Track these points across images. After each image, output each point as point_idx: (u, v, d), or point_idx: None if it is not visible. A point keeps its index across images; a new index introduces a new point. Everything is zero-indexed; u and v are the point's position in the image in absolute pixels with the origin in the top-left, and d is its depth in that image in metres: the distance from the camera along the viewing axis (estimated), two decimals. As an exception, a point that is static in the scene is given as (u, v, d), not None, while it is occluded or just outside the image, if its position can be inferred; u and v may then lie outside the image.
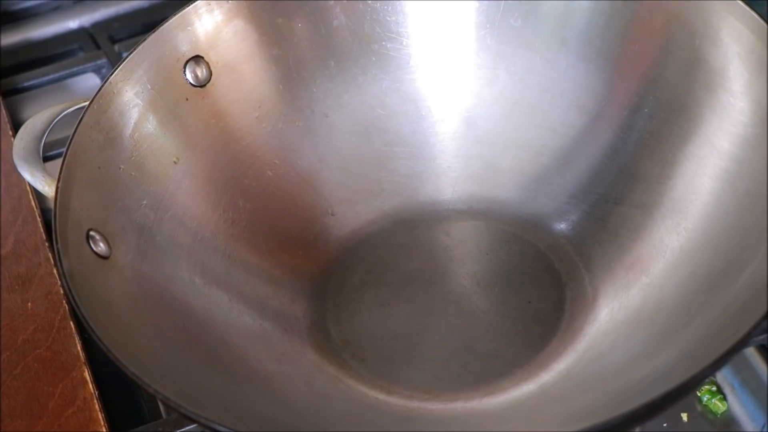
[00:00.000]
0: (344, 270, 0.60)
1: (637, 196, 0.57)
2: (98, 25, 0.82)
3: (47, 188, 0.53)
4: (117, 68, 0.55)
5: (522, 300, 0.57)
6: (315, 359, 0.55)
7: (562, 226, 0.60)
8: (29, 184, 0.60)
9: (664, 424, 0.54)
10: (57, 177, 0.51)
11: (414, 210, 0.62)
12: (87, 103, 0.54)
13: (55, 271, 0.60)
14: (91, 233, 0.51)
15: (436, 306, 0.57)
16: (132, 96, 0.56)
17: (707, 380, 0.55)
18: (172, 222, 0.56)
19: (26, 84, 0.76)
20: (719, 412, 0.55)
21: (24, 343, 0.57)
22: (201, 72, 0.58)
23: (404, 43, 0.62)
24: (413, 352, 0.56)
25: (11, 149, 0.56)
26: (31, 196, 0.65)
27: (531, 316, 0.56)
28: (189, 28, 0.58)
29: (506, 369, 0.54)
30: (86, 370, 0.56)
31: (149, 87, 0.56)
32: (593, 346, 0.54)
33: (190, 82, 0.58)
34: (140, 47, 0.56)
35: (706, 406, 0.55)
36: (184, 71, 0.58)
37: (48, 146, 0.60)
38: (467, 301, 0.57)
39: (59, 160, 0.52)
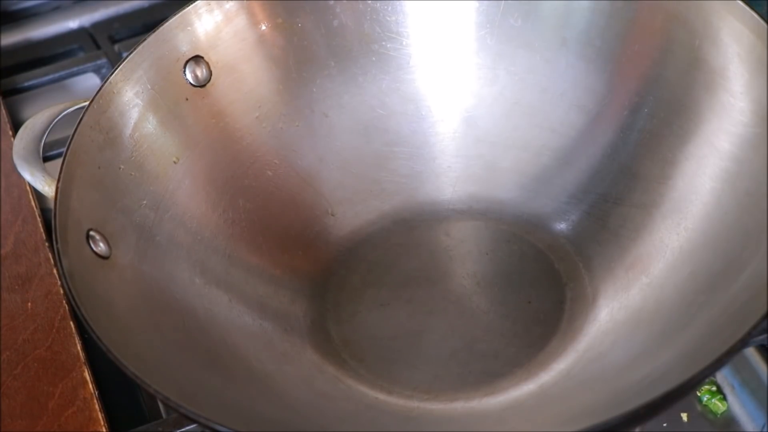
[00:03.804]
0: (344, 270, 0.60)
1: (637, 196, 0.57)
2: (98, 25, 0.82)
3: (47, 188, 0.53)
4: (117, 68, 0.55)
5: (522, 300, 0.57)
6: (315, 359, 0.55)
7: (562, 226, 0.60)
8: (29, 184, 0.60)
9: (664, 424, 0.54)
10: (57, 177, 0.51)
11: (414, 210, 0.62)
12: (87, 103, 0.54)
13: (55, 271, 0.60)
14: (91, 233, 0.51)
15: (436, 306, 0.57)
16: (132, 96, 0.56)
17: (707, 380, 0.55)
18: (172, 222, 0.56)
19: (26, 84, 0.76)
20: (719, 412, 0.55)
21: (24, 343, 0.57)
22: (201, 72, 0.58)
23: (404, 43, 0.62)
24: (413, 352, 0.56)
25: (11, 149, 0.56)
26: (31, 196, 0.65)
27: (531, 316, 0.56)
28: (189, 28, 0.58)
29: (506, 369, 0.54)
30: (86, 370, 0.56)
31: (149, 87, 0.56)
32: (593, 346, 0.54)
33: (190, 82, 0.58)
34: (140, 47, 0.56)
35: (706, 406, 0.55)
36: (184, 71, 0.58)
37: (48, 146, 0.60)
38: (467, 301, 0.57)
39: (59, 160, 0.52)
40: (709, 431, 0.54)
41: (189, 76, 0.58)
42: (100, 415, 0.54)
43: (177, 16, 0.58)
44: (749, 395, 0.55)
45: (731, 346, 0.42)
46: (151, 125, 0.56)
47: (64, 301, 0.59)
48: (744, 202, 0.51)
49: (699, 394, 0.55)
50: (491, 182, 0.62)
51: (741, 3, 0.52)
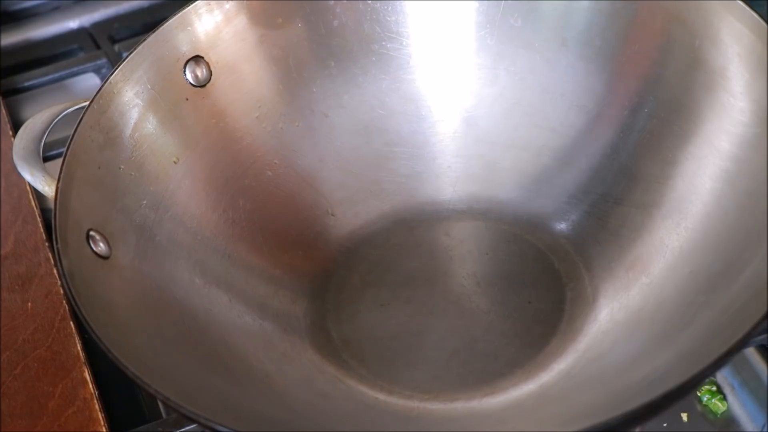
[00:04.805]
0: (344, 270, 0.60)
1: (637, 196, 0.57)
2: (98, 25, 0.82)
3: (47, 188, 0.53)
4: (117, 68, 0.55)
5: (522, 300, 0.57)
6: (315, 359, 0.55)
7: (562, 226, 0.60)
8: (29, 184, 0.60)
9: (664, 424, 0.54)
10: (57, 177, 0.51)
11: (414, 210, 0.62)
12: (87, 103, 0.54)
13: (55, 271, 0.60)
14: (91, 233, 0.51)
15: (436, 306, 0.57)
16: (132, 96, 0.56)
17: (707, 380, 0.55)
18: (172, 222, 0.56)
19: (26, 84, 0.76)
20: (719, 412, 0.55)
21: (24, 343, 0.57)
22: (201, 72, 0.58)
23: (404, 43, 0.62)
24: (413, 352, 0.56)
25: (11, 149, 0.56)
26: (31, 196, 0.65)
27: (531, 316, 0.56)
28: (189, 28, 0.58)
29: (506, 369, 0.54)
30: (86, 370, 0.56)
31: (149, 87, 0.56)
32: (593, 346, 0.54)
33: (190, 82, 0.58)
34: (140, 47, 0.56)
35: (706, 406, 0.55)
36: (184, 71, 0.58)
37: (48, 146, 0.60)
38: (467, 301, 0.57)
39: (59, 160, 0.52)
40: (709, 431, 0.54)
41: (189, 76, 0.58)
42: (100, 415, 0.54)
43: (177, 16, 0.58)
44: (749, 395, 0.55)
45: (731, 347, 0.42)
46: (151, 125, 0.56)
47: (64, 301, 0.59)
48: (744, 202, 0.51)
49: (699, 394, 0.55)
50: (491, 182, 0.62)
51: (741, 3, 0.52)
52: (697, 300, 0.50)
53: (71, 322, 0.58)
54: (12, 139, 0.69)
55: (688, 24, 0.55)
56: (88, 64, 0.77)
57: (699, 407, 0.55)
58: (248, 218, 0.59)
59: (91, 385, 0.55)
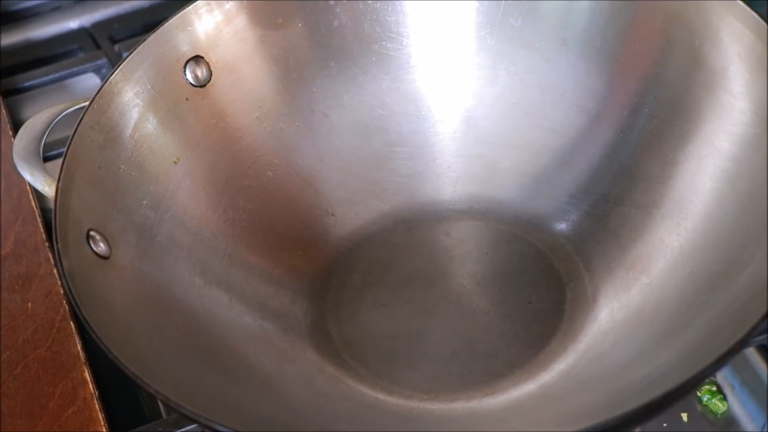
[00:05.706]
0: (344, 270, 0.60)
1: (637, 196, 0.57)
2: (98, 25, 0.82)
3: (47, 188, 0.54)
4: (117, 68, 0.55)
5: (522, 300, 0.57)
6: (315, 359, 0.55)
7: (562, 226, 0.60)
8: (29, 184, 0.60)
9: (664, 424, 0.54)
10: (57, 177, 0.51)
11: (414, 210, 0.62)
12: (87, 103, 0.54)
13: (55, 271, 0.60)
14: (91, 233, 0.51)
15: (436, 306, 0.57)
16: (132, 96, 0.56)
17: (707, 380, 0.55)
18: (172, 222, 0.56)
19: (26, 84, 0.76)
20: (719, 412, 0.55)
21: (24, 343, 0.57)
22: (201, 72, 0.58)
23: (404, 43, 0.62)
24: (413, 352, 0.56)
25: (11, 149, 0.56)
26: (31, 196, 0.65)
27: (531, 316, 0.56)
28: (189, 28, 0.58)
29: (506, 369, 0.54)
30: (86, 370, 0.56)
31: (149, 87, 0.56)
32: (593, 346, 0.54)
33: (190, 82, 0.58)
34: (140, 47, 0.56)
35: (706, 406, 0.55)
36: (184, 71, 0.58)
37: (48, 146, 0.60)
38: (467, 301, 0.57)
39: (59, 160, 0.52)
40: (709, 431, 0.54)
41: (189, 76, 0.58)
42: (100, 415, 0.54)
43: (177, 16, 0.58)
44: (749, 395, 0.55)
45: (731, 346, 0.42)
46: (151, 125, 0.56)
47: (64, 301, 0.59)
48: (744, 202, 0.51)
49: (699, 394, 0.55)
50: (491, 182, 0.62)
51: (741, 3, 0.52)
52: (697, 300, 0.50)
53: (71, 322, 0.58)
54: (12, 139, 0.69)
55: (688, 24, 0.55)
56: (88, 64, 0.77)
57: (699, 407, 0.55)
58: (248, 218, 0.59)
59: (91, 385, 0.55)
